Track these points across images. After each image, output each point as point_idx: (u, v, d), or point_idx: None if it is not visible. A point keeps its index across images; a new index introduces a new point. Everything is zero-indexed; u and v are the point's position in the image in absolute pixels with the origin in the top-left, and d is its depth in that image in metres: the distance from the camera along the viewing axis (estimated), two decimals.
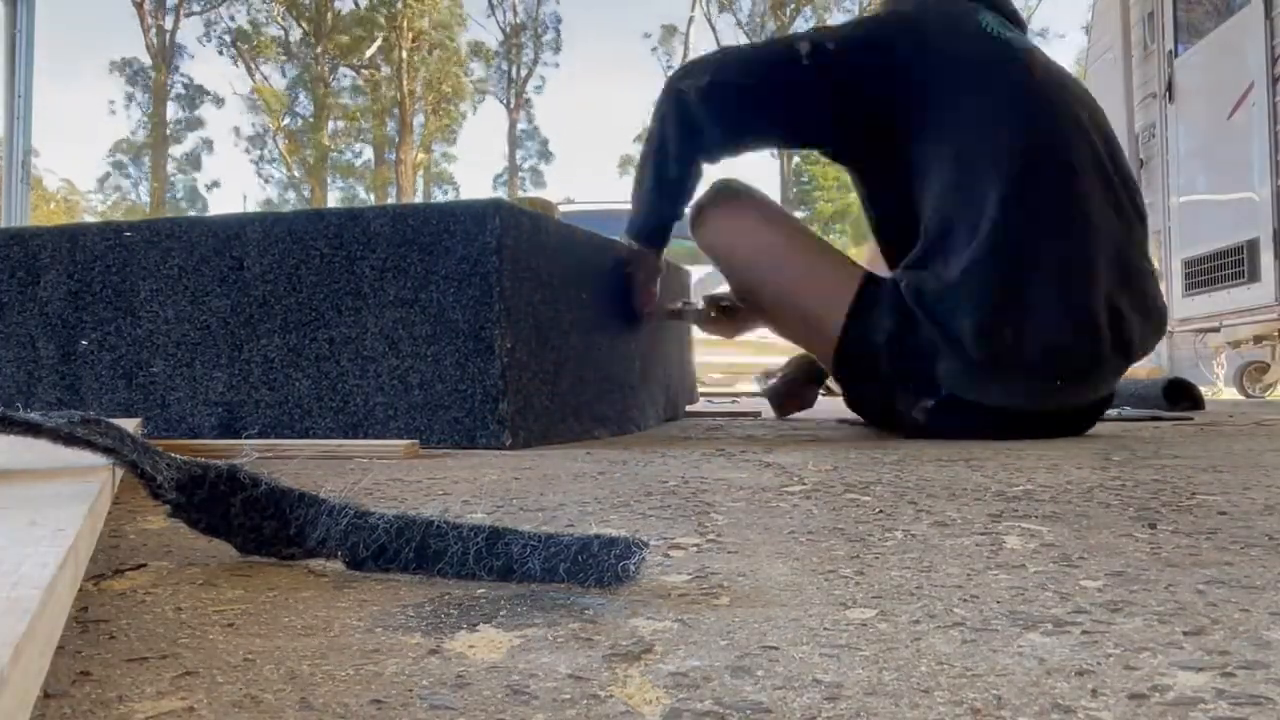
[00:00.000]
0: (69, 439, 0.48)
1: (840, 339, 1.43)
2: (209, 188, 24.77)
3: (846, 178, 1.68)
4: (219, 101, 23.57)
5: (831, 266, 1.53)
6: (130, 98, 23.25)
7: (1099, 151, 1.43)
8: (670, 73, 1.56)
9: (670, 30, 24.10)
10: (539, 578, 0.45)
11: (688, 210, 1.59)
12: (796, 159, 23.82)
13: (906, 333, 1.38)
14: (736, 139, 1.51)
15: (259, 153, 23.84)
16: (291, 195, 23.57)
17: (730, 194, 1.61)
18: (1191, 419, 2.03)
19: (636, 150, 25.44)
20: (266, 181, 23.95)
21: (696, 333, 2.21)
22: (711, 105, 1.43)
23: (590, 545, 0.44)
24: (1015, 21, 1.57)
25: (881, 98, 1.44)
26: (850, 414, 1.75)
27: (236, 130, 23.90)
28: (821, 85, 1.44)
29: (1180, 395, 2.34)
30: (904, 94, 1.42)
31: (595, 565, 0.44)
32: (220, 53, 23.15)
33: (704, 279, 5.91)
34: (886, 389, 1.44)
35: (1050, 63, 1.52)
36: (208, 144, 24.44)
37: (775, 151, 23.61)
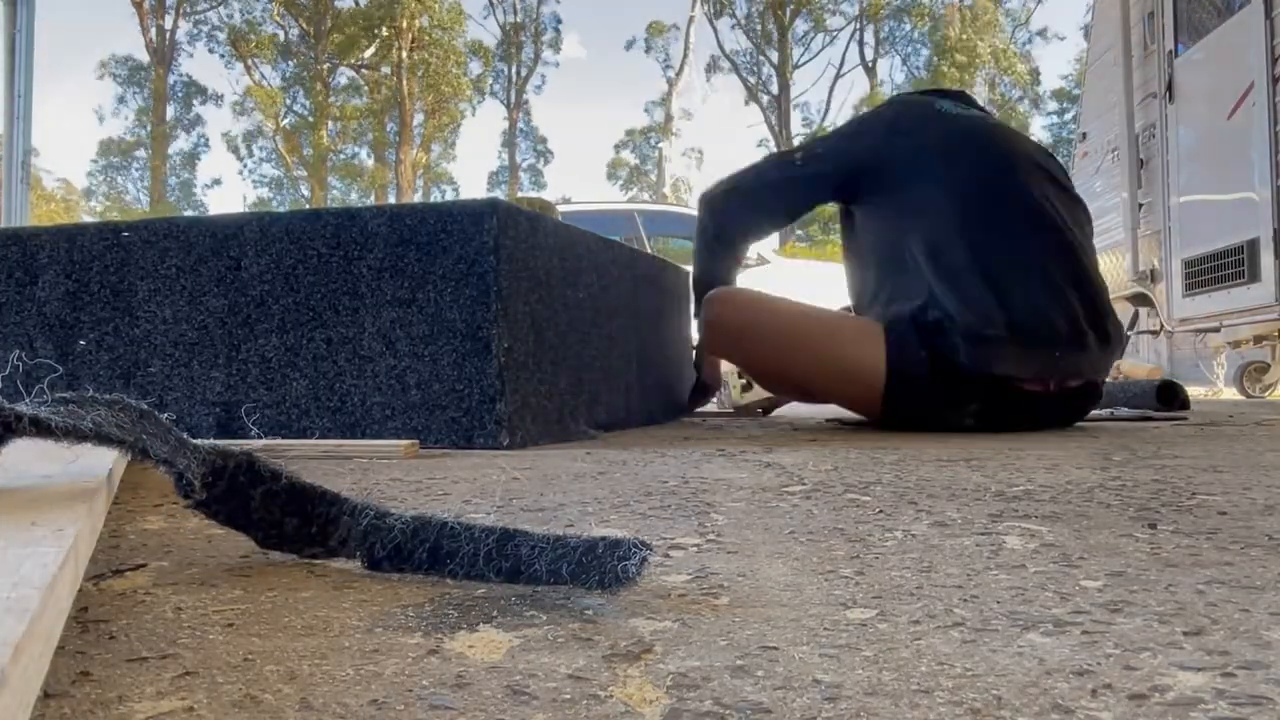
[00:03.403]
0: (86, 437, 0.47)
1: (886, 379, 1.64)
2: (207, 187, 24.81)
3: None
4: (217, 99, 23.55)
5: (849, 327, 1.76)
6: (121, 99, 23.21)
7: (1045, 182, 1.75)
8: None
9: (657, 29, 24.11)
10: (544, 579, 0.45)
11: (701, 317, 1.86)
12: None
13: (937, 352, 1.61)
14: (748, 226, 1.92)
15: (257, 153, 23.82)
16: (290, 195, 23.56)
17: (727, 297, 1.82)
18: (1185, 418, 2.04)
19: (625, 155, 25.59)
20: (258, 183, 23.96)
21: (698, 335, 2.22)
22: (729, 203, 1.88)
23: (595, 547, 0.44)
24: (976, 108, 1.91)
25: (866, 174, 1.78)
26: (843, 413, 1.94)
27: (229, 132, 23.89)
28: (817, 179, 1.83)
29: (1172, 397, 2.36)
30: (883, 170, 1.76)
31: (599, 567, 0.44)
32: (211, 51, 23.11)
33: None
34: (934, 406, 1.66)
35: (1002, 124, 1.95)
36: (205, 142, 24.47)
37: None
